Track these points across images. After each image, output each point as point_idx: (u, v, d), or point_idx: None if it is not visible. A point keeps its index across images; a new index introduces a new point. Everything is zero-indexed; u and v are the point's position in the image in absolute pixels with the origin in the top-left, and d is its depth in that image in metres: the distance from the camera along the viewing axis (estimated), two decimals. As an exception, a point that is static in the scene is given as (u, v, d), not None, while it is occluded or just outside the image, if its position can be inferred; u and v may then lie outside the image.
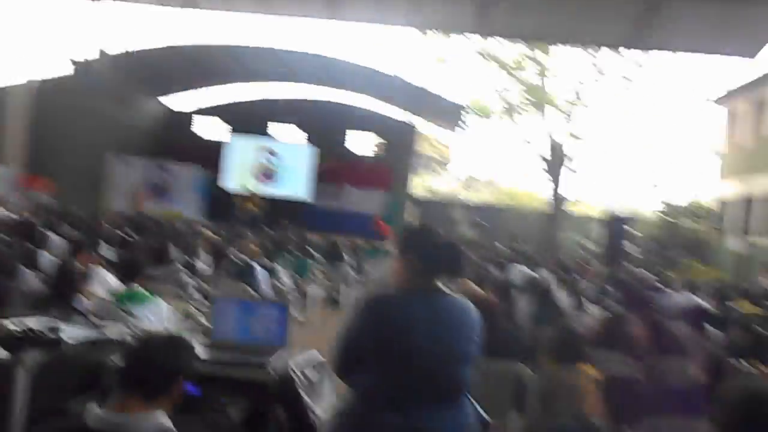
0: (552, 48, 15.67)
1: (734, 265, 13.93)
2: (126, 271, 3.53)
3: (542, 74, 16.88)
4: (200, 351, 2.40)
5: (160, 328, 3.01)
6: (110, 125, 16.97)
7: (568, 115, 16.75)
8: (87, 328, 2.55)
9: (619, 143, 24.27)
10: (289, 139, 19.31)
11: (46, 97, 15.52)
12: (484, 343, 2.01)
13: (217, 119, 19.64)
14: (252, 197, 15.66)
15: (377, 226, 15.92)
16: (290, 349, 2.50)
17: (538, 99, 16.90)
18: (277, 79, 18.57)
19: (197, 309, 3.91)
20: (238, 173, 18.46)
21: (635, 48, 12.69)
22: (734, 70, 29.49)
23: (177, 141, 19.03)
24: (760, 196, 14.28)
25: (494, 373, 3.03)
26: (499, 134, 20.34)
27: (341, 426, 1.92)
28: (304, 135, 19.19)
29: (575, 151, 17.16)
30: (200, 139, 19.72)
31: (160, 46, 16.34)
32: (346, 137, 19.30)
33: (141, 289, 3.47)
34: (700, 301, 7.13)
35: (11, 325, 2.28)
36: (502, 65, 16.80)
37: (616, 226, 13.53)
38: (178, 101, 20.11)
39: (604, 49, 14.88)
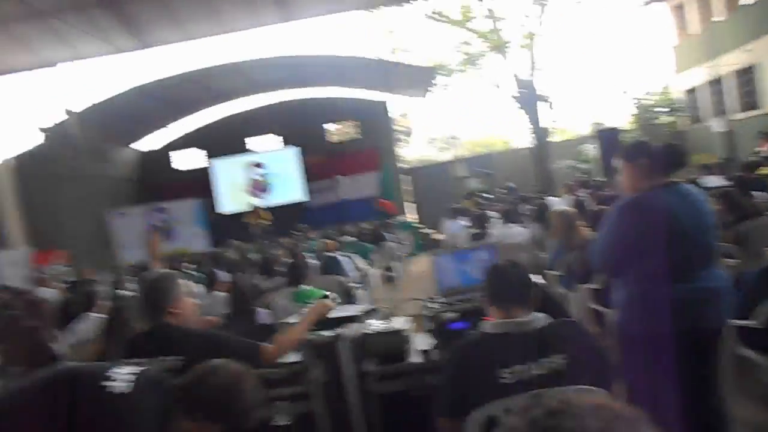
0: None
1: (723, 144, 14.79)
2: (294, 277, 3.92)
3: (492, 17, 17.35)
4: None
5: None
6: (93, 182, 16.93)
7: (529, 50, 17.28)
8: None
9: (582, 63, 25.02)
10: (270, 148, 19.46)
11: (26, 170, 15.45)
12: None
13: (194, 149, 19.65)
14: (258, 212, 15.86)
15: (381, 205, 16.36)
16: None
17: (495, 43, 17.38)
18: (244, 94, 18.64)
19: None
20: (232, 195, 18.62)
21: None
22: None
23: (162, 181, 19.11)
24: (725, 77, 15.14)
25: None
26: (468, 88, 20.81)
27: (631, 307, 2.34)
28: (284, 140, 19.35)
29: (546, 83, 17.76)
30: (183, 172, 19.74)
31: (121, 91, 16.26)
32: (325, 131, 19.54)
33: (308, 288, 3.89)
34: (724, 180, 7.81)
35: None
36: (453, 22, 17.22)
37: (604, 139, 14.20)
38: (152, 142, 20.05)
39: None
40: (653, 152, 2.40)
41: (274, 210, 16.47)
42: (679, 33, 17.73)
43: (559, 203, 8.90)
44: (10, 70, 13.17)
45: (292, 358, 2.74)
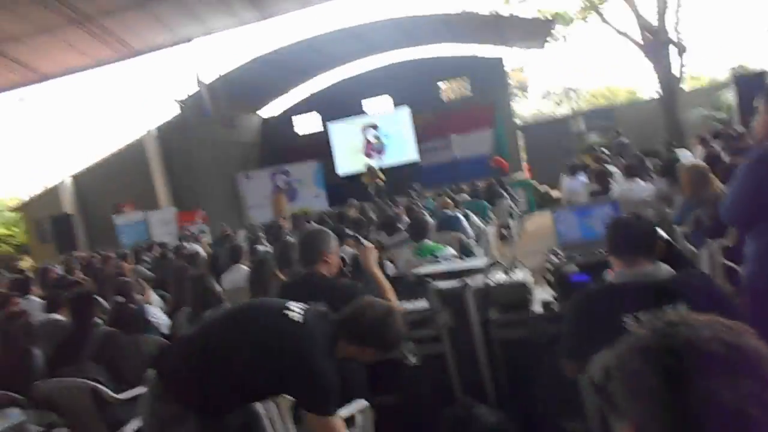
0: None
1: None
2: (416, 232, 4.18)
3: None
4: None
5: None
6: (224, 147, 18.32)
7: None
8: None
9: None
10: (385, 109, 19.81)
11: (167, 138, 17.10)
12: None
13: (312, 113, 20.51)
14: (374, 172, 16.34)
15: (495, 162, 16.16)
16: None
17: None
18: (358, 57, 19.04)
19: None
20: (348, 156, 19.32)
21: None
22: None
23: (285, 144, 20.26)
24: None
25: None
26: (587, 37, 19.70)
27: (761, 260, 2.31)
28: (396, 100, 19.59)
29: (677, 25, 16.28)
30: (303, 136, 20.74)
31: (243, 62, 17.27)
32: (438, 89, 19.50)
33: (430, 242, 4.12)
34: None
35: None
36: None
37: (744, 84, 12.88)
38: (275, 108, 21.24)
39: None
40: None
41: (387, 170, 16.88)
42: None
43: (689, 156, 8.39)
44: (152, 48, 14.48)
45: (421, 305, 3.00)
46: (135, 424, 3.24)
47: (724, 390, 0.65)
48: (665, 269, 2.06)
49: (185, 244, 9.33)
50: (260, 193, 18.26)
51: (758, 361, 0.67)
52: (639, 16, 16.21)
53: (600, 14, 16.67)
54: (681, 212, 4.76)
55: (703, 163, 4.91)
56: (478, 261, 3.21)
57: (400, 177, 17.11)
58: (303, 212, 15.05)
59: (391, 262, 4.64)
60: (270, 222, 12.00)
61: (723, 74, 18.84)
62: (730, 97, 13.74)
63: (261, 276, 3.82)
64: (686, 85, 18.12)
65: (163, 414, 1.94)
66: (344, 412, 2.45)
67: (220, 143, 17.96)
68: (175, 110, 17.32)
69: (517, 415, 2.76)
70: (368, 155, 19.21)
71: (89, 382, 3.06)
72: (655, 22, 16.11)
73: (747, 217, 2.37)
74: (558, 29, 17.24)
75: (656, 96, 16.92)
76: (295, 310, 1.96)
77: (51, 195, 17.88)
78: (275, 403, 2.23)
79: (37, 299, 5.79)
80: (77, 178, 17.96)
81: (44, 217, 17.67)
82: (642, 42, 16.38)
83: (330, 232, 2.88)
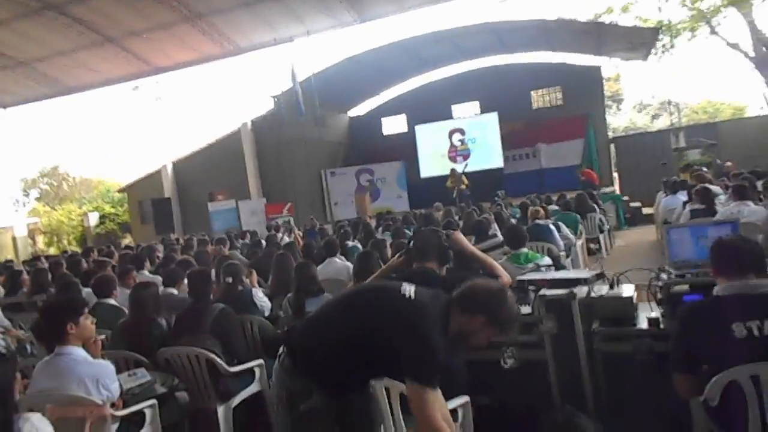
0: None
1: None
2: (515, 240, 4.22)
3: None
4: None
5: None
6: (312, 144, 18.91)
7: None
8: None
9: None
10: (473, 114, 19.75)
11: (259, 132, 17.87)
12: None
13: (402, 116, 20.76)
14: (457, 176, 16.33)
15: (586, 174, 15.70)
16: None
17: (735, -3, 15.28)
18: (450, 61, 19.11)
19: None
20: (432, 159, 19.41)
21: None
22: None
23: (370, 144, 20.66)
24: None
25: None
26: (693, 49, 18.78)
27: None
28: (483, 105, 19.46)
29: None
30: (389, 137, 21.04)
31: (336, 61, 17.74)
32: (529, 97, 19.20)
33: (529, 251, 4.15)
34: None
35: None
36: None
37: None
38: (364, 109, 21.72)
39: None
40: None
41: (470, 176, 16.81)
42: None
43: (805, 181, 7.84)
44: (256, 47, 15.23)
45: (524, 310, 3.05)
46: (243, 395, 3.50)
47: None
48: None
49: (277, 233, 9.76)
50: (344, 190, 18.74)
51: None
52: (754, 28, 15.29)
53: (711, 26, 15.85)
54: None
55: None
56: (584, 272, 3.22)
57: (483, 183, 17.01)
58: (386, 211, 15.32)
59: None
60: (355, 219, 12.32)
61: None
62: None
63: (367, 267, 3.99)
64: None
65: (292, 387, 2.12)
66: (451, 404, 2.56)
67: (309, 140, 18.58)
68: (270, 105, 18.09)
69: (616, 429, 2.76)
70: (453, 159, 19.22)
71: (207, 352, 3.34)
72: (771, 36, 15.15)
73: None
74: (664, 40, 16.53)
75: (764, 113, 15.85)
76: (409, 289, 2.13)
77: (153, 179, 19.21)
78: (387, 390, 2.36)
79: (148, 273, 6.32)
80: (177, 165, 19.16)
81: (146, 199, 19.03)
82: (754, 54, 15.44)
83: (439, 233, 3.02)
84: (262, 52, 16.34)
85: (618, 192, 15.95)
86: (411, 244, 3.02)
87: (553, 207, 9.31)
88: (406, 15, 15.23)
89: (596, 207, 9.51)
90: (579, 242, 8.02)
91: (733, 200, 6.33)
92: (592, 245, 9.12)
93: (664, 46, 16.76)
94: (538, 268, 3.77)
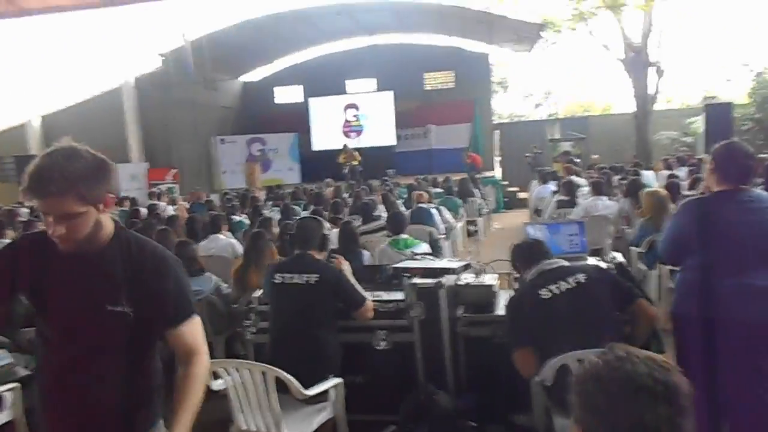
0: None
1: None
2: (395, 226, 4.43)
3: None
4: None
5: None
6: (202, 109, 18.11)
7: (646, 12, 16.37)
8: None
9: (701, 30, 23.34)
10: (368, 91, 19.87)
11: (144, 91, 16.79)
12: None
13: (297, 86, 20.39)
14: (348, 152, 16.48)
15: (471, 158, 16.50)
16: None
17: (610, 2, 16.55)
18: (348, 35, 19.01)
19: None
20: (327, 133, 19.36)
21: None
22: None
23: (263, 113, 20.14)
24: None
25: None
26: (573, 46, 20.09)
27: (684, 292, 2.67)
28: (379, 83, 19.66)
29: (658, 48, 16.83)
30: (282, 106, 20.63)
31: (232, 23, 17.00)
32: (422, 78, 19.64)
33: (409, 237, 4.39)
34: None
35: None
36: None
37: (712, 113, 13.49)
38: (257, 75, 21.04)
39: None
40: (723, 161, 2.62)
41: (363, 152, 17.03)
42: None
43: (653, 179, 8.85)
44: (140, -1, 14.12)
45: (397, 296, 3.26)
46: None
47: (647, 413, 0.92)
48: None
49: (158, 203, 9.37)
50: (234, 159, 18.19)
51: (676, 393, 0.95)
52: (625, 34, 16.72)
53: (587, 26, 17.10)
54: (639, 234, 5.14)
55: (663, 191, 5.29)
56: (453, 262, 3.49)
57: (375, 160, 17.30)
58: (277, 185, 15.15)
59: (366, 249, 4.89)
60: (243, 191, 12.09)
61: (695, 101, 19.57)
62: (699, 123, 14.35)
63: (257, 247, 4.03)
64: (659, 107, 18.77)
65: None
66: (321, 387, 2.72)
67: (198, 104, 17.75)
68: (157, 64, 17.01)
69: (471, 405, 3.07)
70: (346, 134, 19.33)
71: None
72: (638, 41, 16.63)
73: (675, 256, 2.80)
74: (547, 35, 17.56)
75: (631, 113, 17.52)
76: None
77: (16, 134, 17.41)
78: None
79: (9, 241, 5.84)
80: (46, 120, 17.52)
81: (6, 156, 17.21)
82: (624, 57, 16.91)
83: (322, 223, 3.15)
84: (149, 5, 15.23)
85: (499, 176, 16.96)
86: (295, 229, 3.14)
87: (438, 190, 9.76)
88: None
89: (477, 191, 10.08)
90: (459, 225, 8.51)
91: (591, 194, 7.05)
92: (471, 227, 9.70)
93: (547, 41, 17.86)
94: (413, 255, 4.01)
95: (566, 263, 2.80)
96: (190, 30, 16.19)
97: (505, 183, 16.07)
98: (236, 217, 7.34)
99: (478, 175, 14.02)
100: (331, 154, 17.39)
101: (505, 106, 29.62)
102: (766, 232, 2.54)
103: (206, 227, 5.59)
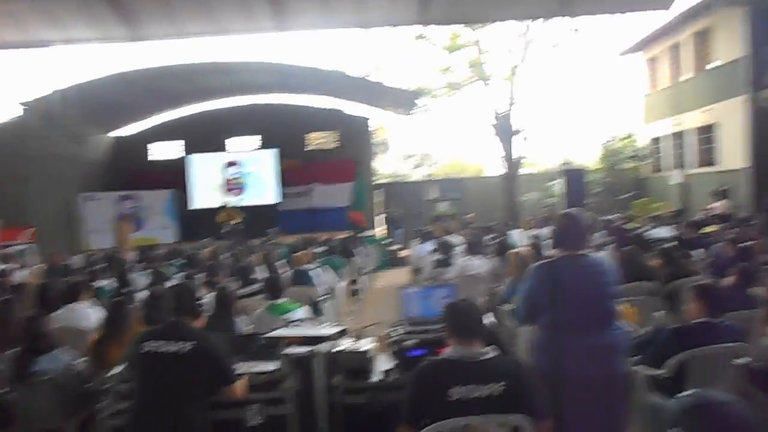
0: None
1: (680, 195, 15.72)
2: (272, 291, 4.31)
3: (479, 48, 18.05)
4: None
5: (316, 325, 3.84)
6: (67, 163, 16.88)
7: (510, 84, 18.03)
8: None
9: (558, 103, 26.02)
10: (250, 149, 19.67)
11: (1, 143, 15.33)
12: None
13: (174, 142, 19.70)
14: (229, 211, 16.05)
15: (352, 217, 16.75)
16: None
17: (479, 74, 18.08)
18: (228, 94, 18.86)
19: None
20: (205, 191, 18.74)
21: (566, 16, 13.92)
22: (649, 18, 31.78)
23: (137, 169, 19.12)
24: (687, 132, 16.11)
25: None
26: (448, 111, 21.58)
27: (539, 350, 2.85)
28: (263, 141, 19.59)
29: (522, 117, 18.51)
30: (159, 163, 19.77)
31: (104, 75, 16.26)
32: (305, 138, 19.85)
33: (287, 301, 4.29)
34: (671, 232, 8.49)
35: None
36: (444, 47, 17.89)
37: (570, 177, 14.97)
38: (131, 130, 20.09)
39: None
40: (560, 228, 2.94)
41: (245, 210, 16.67)
42: (650, 85, 18.73)
43: (520, 237, 9.48)
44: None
45: (270, 366, 3.14)
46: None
47: None
48: (489, 351, 2.50)
49: (6, 267, 8.41)
50: (102, 217, 16.93)
51: None
52: (493, 103, 18.24)
53: (460, 94, 18.47)
54: (507, 292, 5.43)
55: (527, 251, 5.67)
56: (329, 329, 3.44)
57: (258, 218, 16.95)
58: (150, 245, 14.26)
59: (244, 314, 4.70)
60: (110, 251, 11.23)
61: (555, 166, 21.53)
62: (558, 186, 15.78)
63: (118, 318, 3.72)
64: (527, 170, 20.47)
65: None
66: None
67: (63, 158, 16.50)
68: (17, 112, 15.69)
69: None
70: (227, 192, 18.84)
71: None
72: (505, 110, 18.19)
73: (529, 316, 3.01)
74: (423, 100, 18.65)
75: (500, 175, 18.91)
76: None
77: None
78: None
79: None
80: None
81: None
82: (494, 124, 18.38)
83: (193, 288, 3.02)
84: (11, 52, 14.16)
85: (384, 234, 17.33)
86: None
87: (321, 249, 9.73)
88: (184, 41, 14.69)
89: (358, 251, 10.18)
90: (341, 284, 8.50)
91: (466, 254, 7.39)
92: (354, 287, 9.72)
93: (424, 106, 18.97)
94: (289, 323, 3.91)
95: (489, 354, 2.51)
96: (56, 80, 15.26)
97: (388, 241, 16.42)
98: (100, 283, 6.76)
99: (360, 234, 14.22)
100: (210, 213, 16.80)
101: (387, 166, 30.73)
102: (603, 295, 2.85)
103: (64, 295, 5.08)
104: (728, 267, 4.89)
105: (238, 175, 19.13)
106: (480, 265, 6.83)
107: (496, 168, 20.23)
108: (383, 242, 15.45)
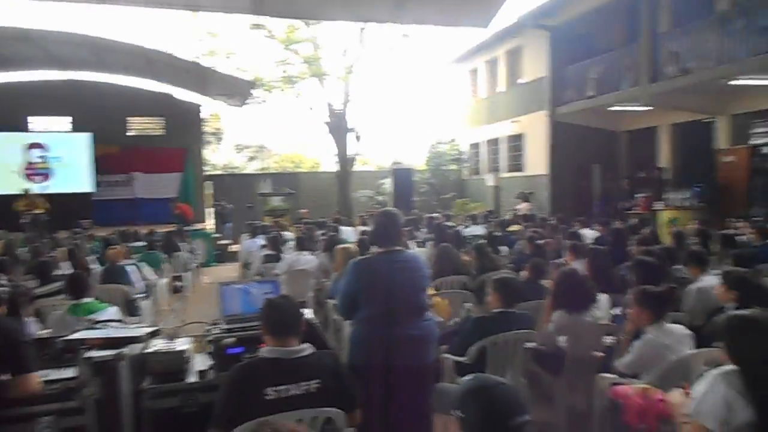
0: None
1: (494, 197, 17.36)
2: (75, 289, 3.89)
3: (316, 46, 18.11)
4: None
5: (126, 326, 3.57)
6: None
7: (345, 83, 18.36)
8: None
9: (390, 104, 27.06)
10: (57, 129, 17.54)
11: None
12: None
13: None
14: (31, 198, 14.15)
15: (179, 209, 15.81)
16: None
17: (315, 71, 18.14)
18: (34, 66, 16.59)
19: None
20: (3, 176, 16.33)
21: (396, 23, 14.55)
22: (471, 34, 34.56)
23: None
24: (500, 139, 17.86)
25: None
26: (283, 105, 21.27)
27: (355, 343, 2.97)
28: (74, 123, 17.62)
29: (357, 116, 18.98)
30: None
31: None
32: (126, 122, 18.25)
33: (93, 301, 3.91)
34: (484, 230, 9.35)
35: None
36: (280, 40, 17.62)
37: (398, 176, 15.77)
38: None
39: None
40: (377, 225, 3.14)
41: (53, 198, 14.85)
42: (472, 94, 20.40)
43: (350, 233, 9.73)
44: None
45: (68, 373, 2.84)
46: None
47: None
48: (306, 348, 2.50)
49: None
50: None
51: None
52: (328, 100, 18.41)
53: (295, 89, 18.36)
54: (333, 286, 5.54)
55: (354, 247, 5.84)
56: (139, 329, 3.20)
57: (69, 208, 15.25)
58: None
59: (38, 316, 4.18)
60: None
61: (386, 164, 22.46)
62: (388, 184, 16.49)
63: None
64: (359, 167, 21.05)
65: None
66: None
67: None
68: None
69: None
70: (29, 177, 16.63)
71: None
72: (339, 108, 18.49)
73: (348, 310, 3.16)
74: (258, 92, 18.20)
75: (334, 171, 19.21)
76: None
77: None
78: None
79: None
80: None
81: None
82: (328, 121, 18.56)
83: None
84: None
85: (213, 229, 16.59)
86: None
87: (140, 243, 9.04)
88: None
89: (183, 246, 9.65)
90: (162, 281, 7.99)
91: (296, 249, 7.39)
92: (178, 283, 9.18)
93: (258, 98, 18.53)
94: (94, 323, 3.56)
95: (306, 351, 2.48)
96: None
97: (218, 236, 15.78)
98: None
99: (187, 228, 13.46)
100: (6, 200, 14.65)
101: (219, 158, 29.56)
102: (416, 288, 3.06)
103: None
104: (526, 262, 5.52)
105: (43, 159, 16.99)
106: (309, 260, 6.88)
107: (331, 165, 20.53)
108: (213, 236, 14.80)
